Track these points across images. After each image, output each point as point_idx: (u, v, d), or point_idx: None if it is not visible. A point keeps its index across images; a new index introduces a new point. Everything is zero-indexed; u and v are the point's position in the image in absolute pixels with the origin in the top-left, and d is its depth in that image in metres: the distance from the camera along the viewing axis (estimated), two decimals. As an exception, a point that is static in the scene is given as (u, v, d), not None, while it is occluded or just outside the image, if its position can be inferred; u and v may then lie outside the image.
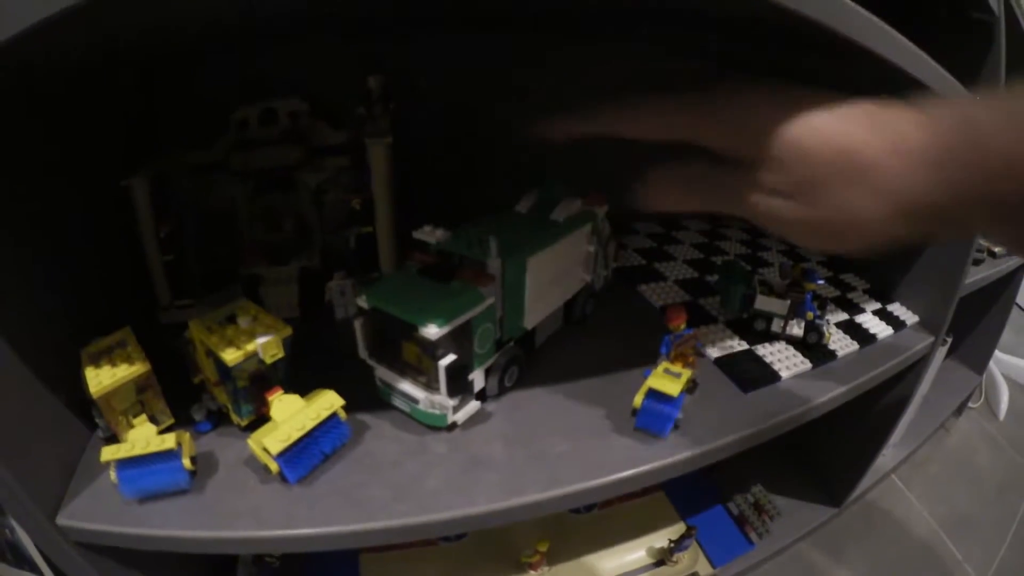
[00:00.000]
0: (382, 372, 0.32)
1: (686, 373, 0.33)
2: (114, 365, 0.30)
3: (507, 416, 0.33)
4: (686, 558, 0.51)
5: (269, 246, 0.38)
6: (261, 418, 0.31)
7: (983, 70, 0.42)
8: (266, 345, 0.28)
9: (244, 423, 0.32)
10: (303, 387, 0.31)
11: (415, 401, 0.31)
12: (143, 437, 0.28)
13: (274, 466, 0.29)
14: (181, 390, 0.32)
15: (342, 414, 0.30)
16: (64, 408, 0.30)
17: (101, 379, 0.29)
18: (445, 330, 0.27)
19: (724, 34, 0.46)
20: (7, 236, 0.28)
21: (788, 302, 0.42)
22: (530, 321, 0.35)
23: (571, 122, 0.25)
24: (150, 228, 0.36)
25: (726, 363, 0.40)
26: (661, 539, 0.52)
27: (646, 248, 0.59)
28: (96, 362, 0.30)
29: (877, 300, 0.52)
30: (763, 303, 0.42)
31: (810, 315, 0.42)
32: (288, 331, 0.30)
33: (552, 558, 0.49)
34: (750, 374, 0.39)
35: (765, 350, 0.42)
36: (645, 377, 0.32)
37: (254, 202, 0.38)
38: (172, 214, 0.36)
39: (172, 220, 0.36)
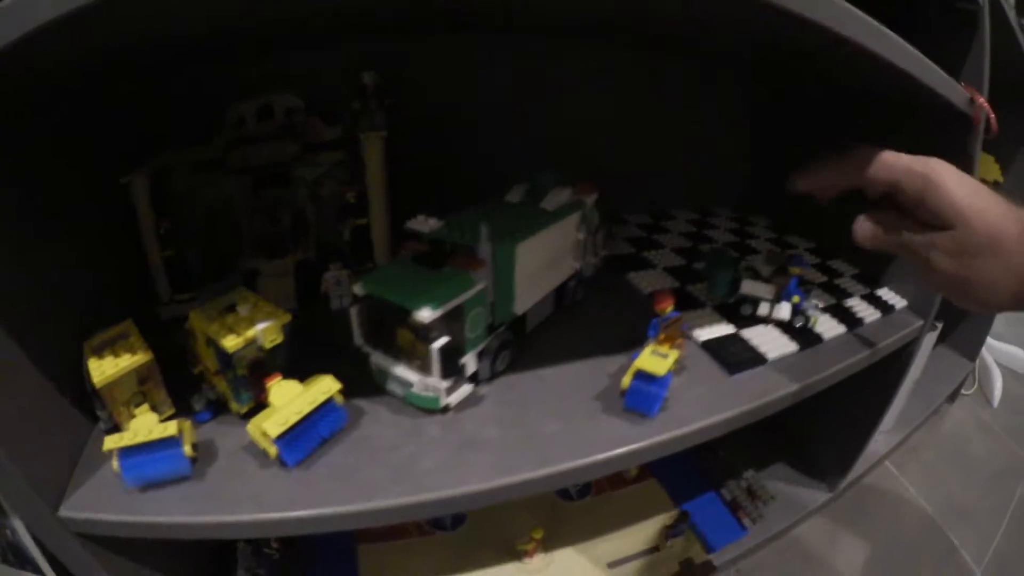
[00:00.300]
0: (377, 358, 0.33)
1: (673, 354, 0.34)
2: (116, 355, 0.31)
3: (499, 399, 0.35)
4: (680, 544, 0.53)
5: (266, 240, 0.39)
6: (260, 406, 0.32)
7: (968, 58, 0.44)
8: (266, 330, 0.30)
9: (243, 411, 0.33)
10: (301, 376, 0.32)
11: (410, 385, 0.32)
12: (145, 425, 0.29)
13: (273, 450, 0.30)
14: (181, 382, 0.33)
15: (339, 398, 0.31)
16: (66, 402, 0.31)
17: (104, 369, 0.30)
18: (438, 313, 0.29)
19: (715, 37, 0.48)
20: (11, 234, 0.29)
21: (774, 286, 0.43)
22: (521, 306, 0.36)
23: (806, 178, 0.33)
24: (150, 224, 0.37)
25: (713, 346, 0.41)
26: (655, 525, 0.53)
27: (636, 237, 0.60)
28: (99, 353, 0.31)
29: (866, 285, 0.54)
30: (749, 288, 0.44)
31: (796, 299, 0.44)
32: (287, 317, 0.31)
33: (547, 545, 0.50)
34: (736, 357, 0.40)
35: (752, 333, 0.43)
36: (633, 359, 0.34)
37: (252, 197, 0.39)
38: (171, 210, 0.38)
39: (171, 216, 0.38)
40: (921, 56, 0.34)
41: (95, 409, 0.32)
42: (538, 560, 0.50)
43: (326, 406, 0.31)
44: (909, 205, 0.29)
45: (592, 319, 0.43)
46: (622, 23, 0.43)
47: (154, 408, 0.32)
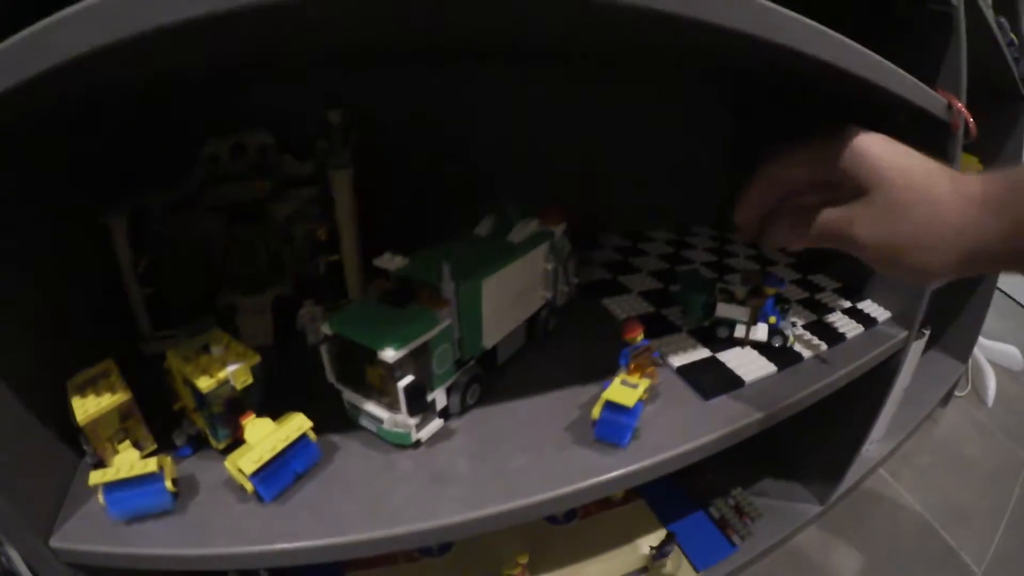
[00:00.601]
0: (349, 395, 0.34)
1: (643, 383, 0.35)
2: (98, 394, 0.32)
3: (470, 432, 0.36)
4: (669, 564, 0.53)
5: (243, 277, 0.40)
6: (237, 442, 0.33)
7: (945, 62, 0.44)
8: (236, 372, 0.31)
9: (221, 447, 0.34)
10: (278, 410, 0.33)
11: (380, 421, 0.33)
12: (127, 461, 0.31)
13: (249, 486, 0.31)
14: (163, 417, 0.34)
15: (311, 435, 0.32)
16: (54, 437, 0.32)
17: (87, 408, 0.31)
18: (402, 353, 0.29)
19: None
20: None
21: (749, 308, 0.44)
22: (489, 340, 0.37)
23: (752, 194, 0.31)
24: (129, 263, 0.38)
25: (689, 371, 0.42)
26: (642, 547, 0.54)
27: (612, 261, 0.61)
28: (82, 392, 0.32)
29: (848, 299, 0.54)
30: (724, 310, 0.44)
31: (772, 319, 0.44)
32: (256, 359, 0.32)
33: (534, 569, 0.51)
34: (712, 381, 0.41)
35: (728, 356, 0.44)
36: (604, 389, 0.34)
37: (227, 235, 0.40)
38: (149, 248, 0.39)
39: (150, 254, 0.39)
40: (892, 67, 0.34)
41: (81, 444, 0.33)
42: (524, 582, 0.50)
43: (299, 443, 0.32)
44: (840, 189, 0.27)
45: (565, 349, 0.44)
46: (597, 48, 0.43)
47: (136, 444, 0.34)
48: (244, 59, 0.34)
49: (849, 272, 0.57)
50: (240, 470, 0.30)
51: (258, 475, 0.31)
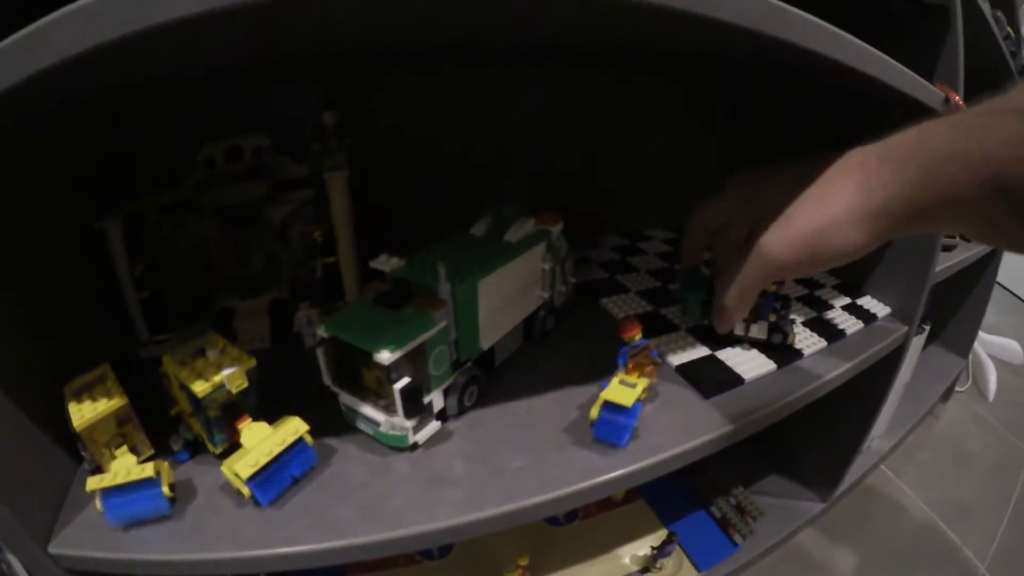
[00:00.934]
0: (345, 397, 0.34)
1: (642, 383, 0.35)
2: (94, 400, 0.32)
3: (467, 434, 0.35)
4: (670, 564, 0.53)
5: (240, 280, 0.40)
6: (234, 446, 0.33)
7: (942, 54, 0.44)
8: (231, 376, 0.31)
9: (218, 451, 0.34)
10: (276, 414, 0.33)
11: (377, 424, 0.33)
12: (124, 467, 0.31)
13: (246, 490, 0.31)
14: (160, 422, 0.34)
15: (308, 439, 0.32)
16: (52, 443, 0.32)
17: (83, 413, 0.31)
18: (397, 355, 0.29)
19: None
20: None
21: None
22: (486, 341, 0.37)
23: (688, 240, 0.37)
24: (125, 267, 0.38)
25: (688, 370, 0.41)
26: (644, 547, 0.54)
27: (610, 261, 0.61)
28: (78, 397, 0.32)
29: (847, 295, 0.54)
30: None
31: (773, 316, 0.44)
32: (252, 362, 0.32)
33: (536, 571, 0.51)
34: (712, 379, 0.40)
35: (728, 354, 0.43)
36: (602, 390, 0.34)
37: (224, 238, 0.40)
38: (146, 252, 0.39)
39: (146, 258, 0.39)
40: (890, 60, 0.34)
41: (79, 450, 0.33)
42: (525, 585, 0.50)
43: (296, 446, 0.32)
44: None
45: (563, 349, 0.44)
46: (596, 47, 0.43)
47: (133, 449, 0.33)
48: (239, 61, 0.34)
49: (848, 269, 0.57)
50: (237, 475, 0.30)
51: (255, 479, 0.30)
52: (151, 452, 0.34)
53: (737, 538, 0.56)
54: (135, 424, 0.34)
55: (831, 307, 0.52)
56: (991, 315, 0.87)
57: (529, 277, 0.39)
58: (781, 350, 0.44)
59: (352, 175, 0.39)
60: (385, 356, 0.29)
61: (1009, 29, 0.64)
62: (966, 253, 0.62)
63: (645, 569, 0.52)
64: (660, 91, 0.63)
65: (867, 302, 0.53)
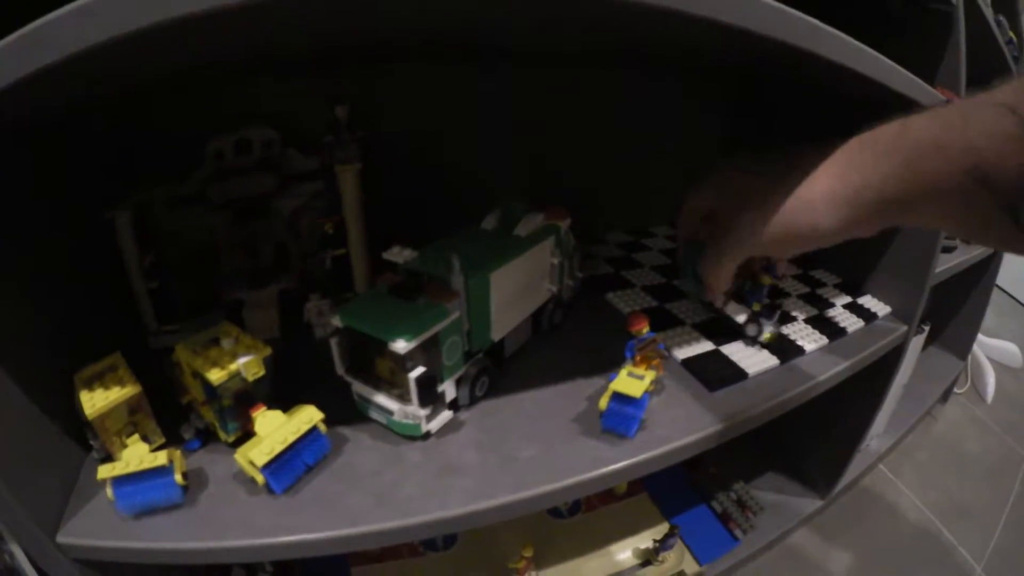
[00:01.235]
0: (358, 387, 0.35)
1: (649, 375, 0.36)
2: (107, 388, 0.33)
3: (478, 424, 0.37)
4: (672, 557, 0.54)
5: (249, 271, 0.41)
6: (246, 435, 0.34)
7: (944, 58, 0.45)
8: (248, 364, 0.32)
9: (231, 440, 0.35)
10: (286, 404, 0.34)
11: (390, 413, 0.34)
12: (136, 455, 0.31)
13: (260, 478, 0.32)
14: (170, 411, 0.35)
15: (322, 427, 0.33)
16: (60, 432, 0.33)
17: (95, 402, 0.32)
18: (413, 344, 0.30)
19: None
20: (1, 271, 0.31)
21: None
22: (497, 333, 0.38)
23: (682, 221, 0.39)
24: (134, 257, 0.39)
25: (693, 364, 0.43)
26: (646, 540, 0.55)
27: (615, 256, 0.62)
28: (89, 386, 0.33)
29: (848, 294, 0.56)
30: None
31: (757, 306, 0.44)
32: (268, 351, 0.33)
33: (539, 563, 0.52)
34: (717, 373, 0.42)
35: (732, 349, 0.45)
36: (611, 381, 0.35)
37: (233, 230, 0.41)
38: (155, 243, 0.40)
39: (155, 249, 0.40)
40: (892, 64, 0.36)
41: (88, 439, 0.34)
42: (529, 577, 0.52)
43: (310, 435, 0.33)
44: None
45: (571, 342, 0.45)
46: (595, 46, 0.44)
47: (145, 438, 0.34)
48: (247, 54, 0.35)
49: (849, 267, 0.59)
50: (251, 462, 0.31)
51: (269, 467, 0.31)
52: (162, 440, 0.35)
53: (738, 532, 0.58)
54: (146, 413, 0.34)
55: (832, 305, 0.53)
56: (990, 318, 0.89)
57: (538, 271, 0.41)
58: (783, 346, 0.46)
59: (362, 167, 0.40)
60: (401, 345, 0.30)
61: (1011, 33, 0.66)
62: (966, 255, 0.64)
63: (647, 561, 0.54)
64: (664, 90, 0.65)
65: (868, 301, 0.55)
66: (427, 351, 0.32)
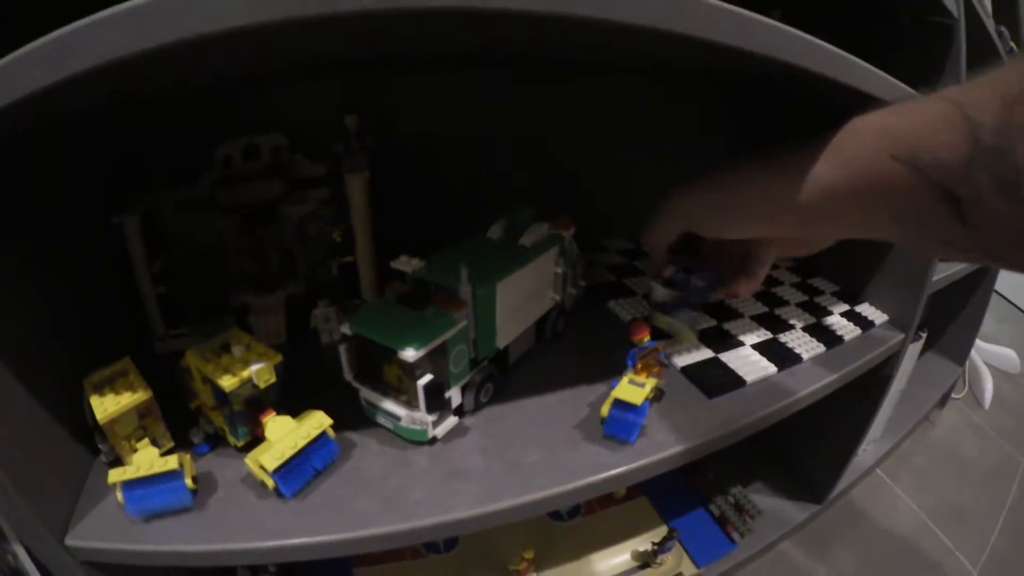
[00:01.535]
0: (366, 393, 0.37)
1: (650, 383, 0.38)
2: (117, 393, 0.34)
3: (483, 430, 0.38)
4: (670, 560, 0.56)
5: (256, 277, 0.42)
6: (255, 439, 0.36)
7: (945, 69, 0.46)
8: (260, 371, 0.33)
9: (240, 444, 0.36)
10: (292, 408, 0.35)
11: (397, 418, 0.35)
12: (147, 459, 0.32)
13: (270, 482, 0.33)
14: (178, 415, 0.36)
15: (331, 432, 0.35)
16: (68, 436, 0.34)
17: (106, 406, 0.33)
18: (422, 353, 0.32)
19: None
20: (9, 277, 0.31)
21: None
22: (502, 341, 0.40)
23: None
24: (142, 262, 0.40)
25: (692, 371, 0.45)
26: (644, 542, 0.57)
27: (616, 264, 0.64)
28: (100, 391, 0.34)
29: (846, 302, 0.58)
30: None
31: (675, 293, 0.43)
32: (279, 358, 0.34)
33: (539, 565, 0.54)
34: (715, 380, 0.44)
35: (730, 357, 0.47)
36: (612, 388, 0.37)
37: (240, 236, 0.42)
38: (163, 248, 0.41)
39: (163, 254, 0.41)
40: (892, 80, 0.37)
41: (97, 443, 0.35)
42: (530, 579, 0.53)
43: (319, 440, 0.34)
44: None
45: (573, 349, 0.47)
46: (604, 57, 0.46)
47: (154, 442, 0.35)
48: (258, 64, 0.36)
49: (847, 276, 0.61)
50: (262, 467, 0.32)
51: (279, 471, 0.33)
52: (171, 444, 0.36)
53: (735, 536, 0.60)
54: (156, 417, 0.35)
55: (830, 313, 0.55)
56: (989, 324, 0.90)
57: (543, 280, 0.42)
58: (781, 353, 0.48)
59: (370, 176, 0.42)
60: (410, 354, 0.31)
61: (1012, 44, 0.68)
62: (964, 264, 0.66)
63: (645, 564, 0.56)
64: (667, 98, 0.66)
65: (865, 309, 0.57)
66: (435, 359, 0.34)
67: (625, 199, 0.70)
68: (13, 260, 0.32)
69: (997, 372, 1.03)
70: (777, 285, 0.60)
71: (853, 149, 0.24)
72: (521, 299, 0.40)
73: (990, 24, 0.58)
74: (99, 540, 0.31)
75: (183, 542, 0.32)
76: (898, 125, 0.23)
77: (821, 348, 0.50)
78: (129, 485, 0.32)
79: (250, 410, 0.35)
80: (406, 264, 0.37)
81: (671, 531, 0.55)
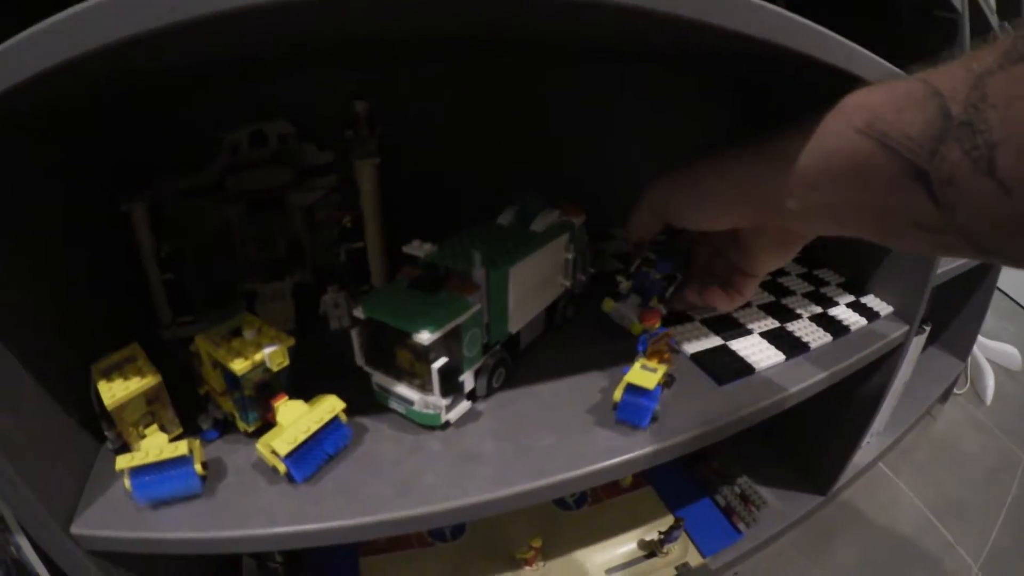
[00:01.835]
0: (379, 377, 0.37)
1: (661, 368, 0.38)
2: (126, 378, 0.34)
3: (496, 414, 0.38)
4: (676, 549, 0.57)
5: (264, 264, 0.43)
6: (266, 425, 0.36)
7: None
8: (273, 354, 0.33)
9: (251, 429, 0.36)
10: (303, 394, 0.35)
11: (410, 403, 0.36)
12: (156, 445, 0.32)
13: (282, 467, 0.33)
14: (186, 401, 0.36)
15: (343, 417, 0.35)
16: (73, 422, 0.34)
17: (114, 392, 0.33)
18: (436, 336, 0.32)
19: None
20: (18, 263, 0.31)
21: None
22: (514, 325, 0.40)
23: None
24: (150, 249, 0.40)
25: (702, 358, 0.45)
26: (651, 532, 0.58)
27: (624, 252, 0.64)
28: (107, 376, 0.34)
29: (851, 293, 0.58)
30: None
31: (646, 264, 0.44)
32: (291, 341, 0.34)
33: (546, 554, 0.55)
34: (725, 368, 0.44)
35: (739, 345, 0.47)
36: (624, 374, 0.38)
37: (247, 223, 0.42)
38: (170, 235, 0.41)
39: (170, 241, 0.41)
40: (898, 72, 0.38)
41: (103, 429, 0.35)
42: (537, 569, 0.54)
43: (331, 424, 0.35)
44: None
45: (583, 335, 0.47)
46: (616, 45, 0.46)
47: (162, 428, 0.35)
48: (266, 50, 0.36)
49: (853, 267, 0.61)
50: (274, 451, 0.32)
51: (291, 456, 0.33)
52: (180, 430, 0.36)
53: (741, 525, 0.60)
54: (164, 403, 0.35)
55: (836, 304, 0.56)
56: (990, 320, 0.91)
57: (553, 266, 0.43)
58: (789, 342, 0.49)
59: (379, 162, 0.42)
60: (425, 337, 0.32)
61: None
62: (955, 259, 0.67)
63: (652, 553, 0.56)
64: (673, 88, 0.67)
65: (870, 300, 0.58)
66: (449, 343, 0.34)
67: (633, 188, 0.71)
68: (18, 246, 0.32)
69: (999, 368, 1.04)
70: (783, 275, 0.61)
71: (826, 126, 0.24)
72: (533, 284, 0.41)
73: (994, 19, 0.59)
74: (105, 528, 0.31)
75: (192, 529, 0.31)
76: (870, 101, 0.23)
77: (828, 337, 0.50)
78: (137, 471, 0.32)
79: (261, 395, 0.35)
80: (418, 248, 0.37)
81: (677, 520, 0.56)
